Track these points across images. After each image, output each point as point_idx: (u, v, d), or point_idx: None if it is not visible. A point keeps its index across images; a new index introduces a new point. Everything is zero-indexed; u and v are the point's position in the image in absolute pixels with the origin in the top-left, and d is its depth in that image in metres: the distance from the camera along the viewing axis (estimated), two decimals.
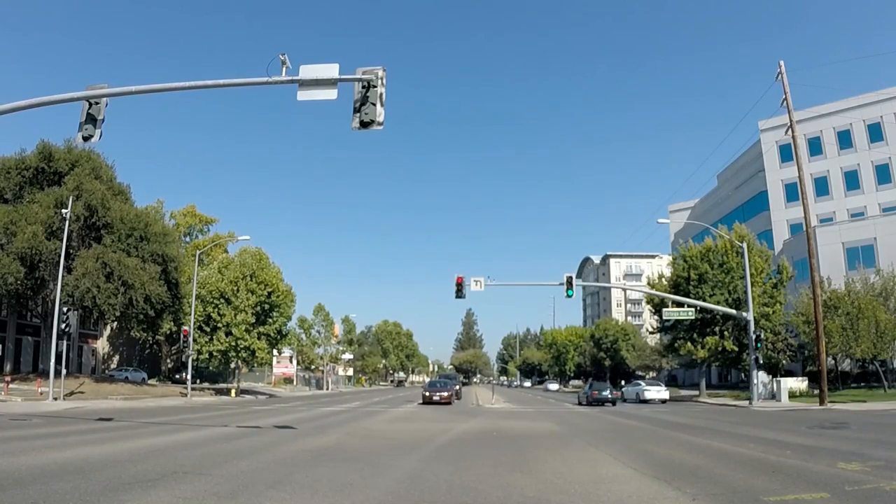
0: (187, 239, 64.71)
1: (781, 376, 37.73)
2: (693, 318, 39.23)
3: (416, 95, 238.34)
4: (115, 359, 60.52)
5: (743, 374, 48.85)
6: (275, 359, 70.29)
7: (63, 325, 29.16)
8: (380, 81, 13.69)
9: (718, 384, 59.90)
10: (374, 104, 13.55)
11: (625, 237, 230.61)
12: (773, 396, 34.23)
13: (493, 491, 7.62)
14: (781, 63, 29.96)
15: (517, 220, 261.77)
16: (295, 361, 79.77)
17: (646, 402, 38.72)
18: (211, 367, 59.21)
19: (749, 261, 36.56)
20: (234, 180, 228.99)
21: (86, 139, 14.95)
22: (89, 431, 15.52)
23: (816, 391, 29.92)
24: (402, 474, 9.01)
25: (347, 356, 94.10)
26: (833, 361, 38.44)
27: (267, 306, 49.94)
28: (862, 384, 38.61)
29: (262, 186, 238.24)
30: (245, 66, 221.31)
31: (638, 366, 74.07)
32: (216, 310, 47.35)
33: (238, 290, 47.95)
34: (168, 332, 51.47)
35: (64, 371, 30.18)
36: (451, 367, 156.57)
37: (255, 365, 54.93)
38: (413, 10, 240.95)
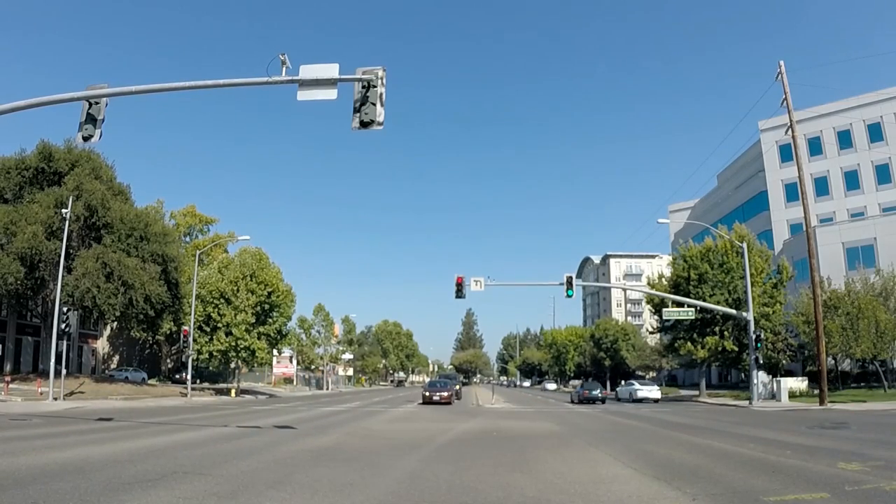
0: (187, 239, 64.71)
1: (781, 376, 37.74)
2: (693, 318, 39.23)
3: (416, 95, 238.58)
4: (115, 359, 60.52)
5: (743, 374, 48.86)
6: (275, 359, 70.28)
7: (63, 325, 29.16)
8: (380, 81, 13.68)
9: (718, 384, 59.89)
10: (374, 104, 13.55)
11: (625, 237, 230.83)
12: (773, 396, 34.23)
13: (493, 491, 7.62)
14: (781, 63, 29.98)
15: (517, 220, 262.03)
16: (295, 361, 79.75)
17: (639, 401, 40.83)
18: (211, 367, 59.22)
19: (749, 261, 36.56)
20: (234, 180, 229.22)
21: (86, 139, 14.96)
22: (89, 431, 15.52)
23: (816, 391, 29.91)
24: (402, 474, 9.01)
25: (347, 356, 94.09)
26: (833, 361, 38.44)
27: (267, 306, 49.95)
28: (862, 384, 38.61)
29: (262, 186, 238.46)
30: (245, 66, 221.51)
31: (638, 366, 74.06)
32: (216, 310, 47.36)
33: (238, 290, 47.96)
34: (168, 332, 51.47)
35: (64, 371, 30.17)
36: (451, 367, 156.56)
37: (255, 365, 54.92)
38: (413, 10, 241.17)
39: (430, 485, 8.09)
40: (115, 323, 47.17)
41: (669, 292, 41.76)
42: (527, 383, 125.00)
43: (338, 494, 7.29)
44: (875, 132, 52.83)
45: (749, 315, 34.43)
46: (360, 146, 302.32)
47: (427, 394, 36.83)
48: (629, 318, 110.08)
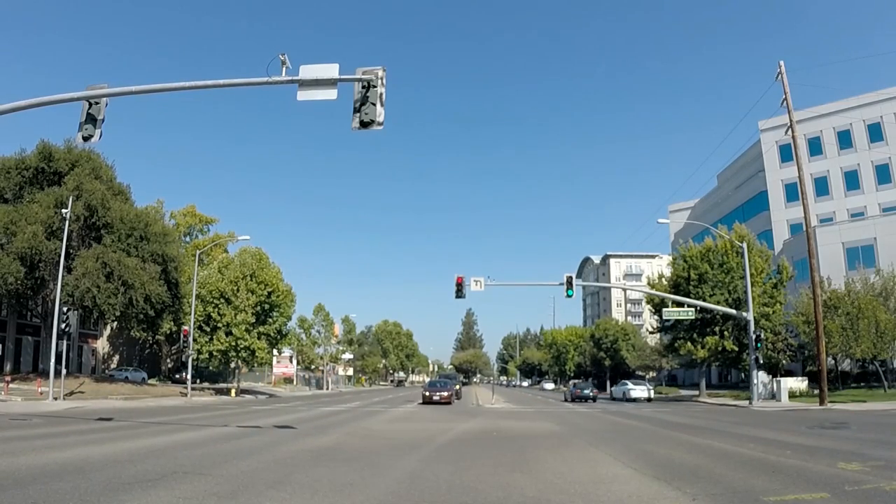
0: (187, 239, 64.72)
1: (781, 376, 37.75)
2: (693, 318, 39.23)
3: (416, 95, 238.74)
4: (115, 359, 60.52)
5: (743, 374, 48.89)
6: (275, 359, 70.28)
7: (63, 325, 29.15)
8: (380, 81, 13.68)
9: (718, 384, 59.91)
10: (374, 104, 13.55)
11: (625, 237, 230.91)
12: (773, 396, 34.24)
13: (493, 491, 7.62)
14: (781, 63, 29.97)
15: (517, 220, 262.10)
16: (295, 361, 79.77)
17: (631, 400, 42.54)
18: (211, 367, 59.20)
19: (749, 261, 36.56)
20: (234, 180, 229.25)
21: (86, 139, 14.95)
22: (89, 431, 15.52)
23: (816, 391, 29.91)
24: (402, 474, 9.01)
25: (347, 356, 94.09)
26: (833, 361, 38.44)
27: (267, 306, 49.96)
28: (862, 384, 38.61)
29: (262, 186, 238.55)
30: (245, 66, 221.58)
31: (638, 366, 73.99)
32: (216, 310, 47.37)
33: (238, 290, 47.97)
34: (168, 331, 51.47)
35: (64, 371, 30.17)
36: (451, 367, 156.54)
37: (255, 365, 54.93)
38: (413, 10, 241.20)
39: (431, 485, 8.09)
40: (115, 323, 47.17)
41: (669, 292, 41.77)
42: (526, 383, 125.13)
43: (338, 494, 7.29)
44: (875, 132, 52.83)
45: (749, 315, 34.43)
46: (360, 146, 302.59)
47: (427, 394, 36.82)
48: (629, 318, 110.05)
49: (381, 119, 13.73)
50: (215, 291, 47.45)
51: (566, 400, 44.50)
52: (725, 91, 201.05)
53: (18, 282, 34.40)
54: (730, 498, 7.11)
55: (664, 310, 40.47)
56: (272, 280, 49.92)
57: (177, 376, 57.97)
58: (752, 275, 36.38)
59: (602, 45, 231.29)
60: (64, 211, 32.27)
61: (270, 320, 50.71)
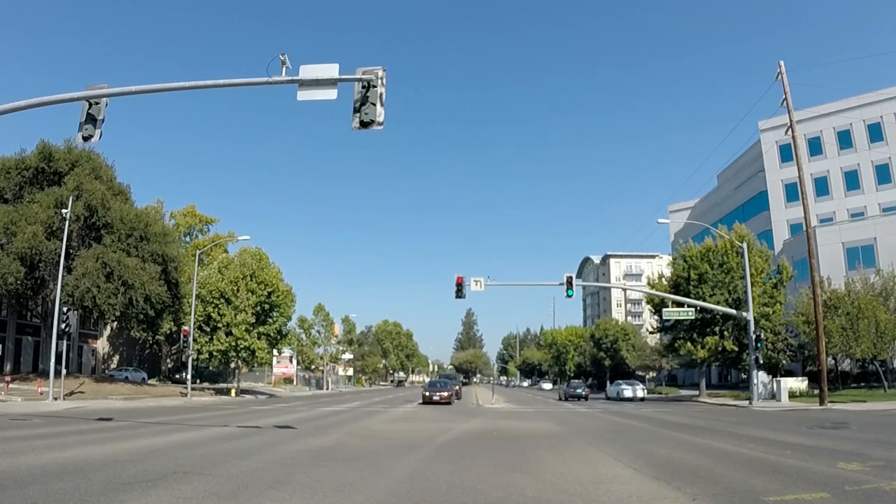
0: (187, 239, 64.71)
1: (781, 376, 37.75)
2: (693, 318, 39.23)
3: (416, 95, 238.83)
4: (115, 359, 60.50)
5: (743, 374, 48.90)
6: (275, 359, 70.27)
7: (63, 325, 29.15)
8: (380, 81, 13.68)
9: (718, 384, 59.90)
10: (374, 104, 13.55)
11: (625, 237, 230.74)
12: (773, 396, 34.23)
13: (493, 491, 7.62)
14: (781, 63, 29.97)
15: (517, 220, 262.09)
16: (295, 361, 79.73)
17: (625, 399, 44.42)
18: (211, 367, 59.21)
19: (749, 261, 36.56)
20: (234, 180, 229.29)
21: (86, 139, 14.95)
22: (89, 431, 15.52)
23: (816, 391, 29.91)
24: (403, 474, 9.01)
25: (347, 356, 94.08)
26: (833, 361, 38.44)
27: (267, 306, 49.96)
28: (862, 384, 38.62)
29: (262, 186, 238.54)
30: (245, 66, 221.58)
31: (638, 366, 74.04)
32: (216, 310, 47.36)
33: (238, 290, 47.96)
34: (168, 332, 51.47)
35: (64, 371, 30.16)
36: (451, 367, 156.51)
37: (255, 365, 54.92)
38: (413, 10, 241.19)
39: (431, 485, 8.09)
40: (115, 323, 47.16)
41: (669, 292, 41.77)
42: (526, 383, 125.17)
43: (338, 494, 7.29)
44: (875, 132, 52.83)
45: (749, 315, 34.42)
46: (360, 146, 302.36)
47: (427, 394, 36.82)
48: (629, 318, 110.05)
49: (381, 119, 13.73)
50: (215, 291, 47.44)
51: (560, 398, 47.11)
52: (725, 91, 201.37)
53: (18, 282, 34.40)
54: (730, 498, 7.11)
55: (664, 310, 40.47)
56: (272, 280, 49.91)
57: (177, 376, 57.96)
58: (752, 275, 36.37)
59: (602, 45, 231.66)
60: (64, 211, 32.26)
61: (270, 320, 50.70)
